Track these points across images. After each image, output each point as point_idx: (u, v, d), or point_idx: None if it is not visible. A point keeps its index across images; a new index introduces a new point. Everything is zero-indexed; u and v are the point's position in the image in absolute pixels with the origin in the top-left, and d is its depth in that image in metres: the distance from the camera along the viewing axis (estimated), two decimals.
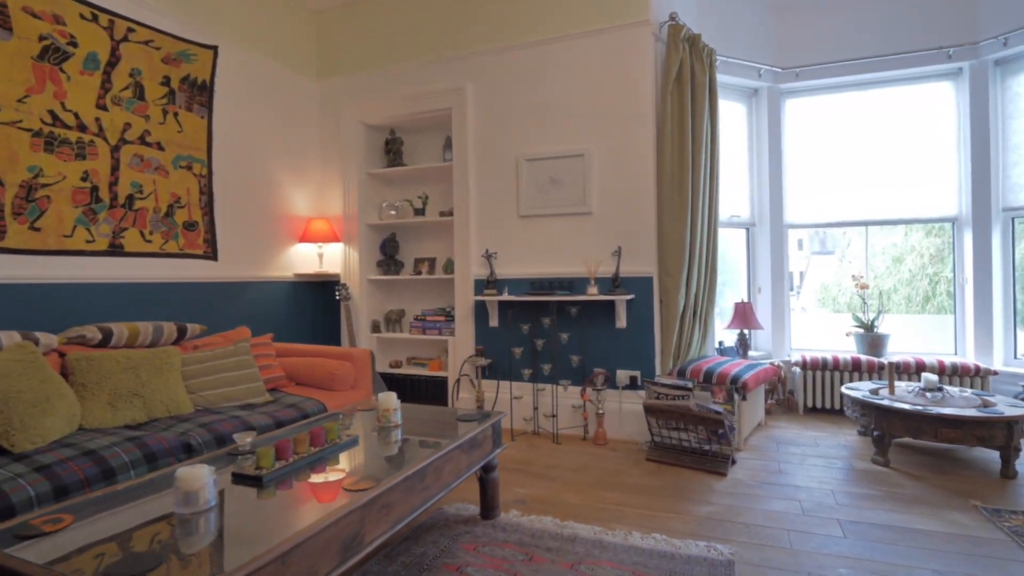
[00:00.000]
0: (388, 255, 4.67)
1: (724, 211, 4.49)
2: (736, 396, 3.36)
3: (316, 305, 4.62)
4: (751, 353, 4.47)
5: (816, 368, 4.19)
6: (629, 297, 3.70)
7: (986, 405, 3.14)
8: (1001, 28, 3.98)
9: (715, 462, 3.14)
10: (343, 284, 4.29)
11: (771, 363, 4.25)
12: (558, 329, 3.89)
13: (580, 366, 3.84)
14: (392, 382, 4.39)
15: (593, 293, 3.72)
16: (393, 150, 4.63)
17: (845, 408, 3.57)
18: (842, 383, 4.15)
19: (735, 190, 4.65)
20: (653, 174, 3.74)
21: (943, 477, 2.97)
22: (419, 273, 4.51)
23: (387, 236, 4.68)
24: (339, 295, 4.23)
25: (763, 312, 4.65)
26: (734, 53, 4.40)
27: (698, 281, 3.90)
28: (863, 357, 4.12)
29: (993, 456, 3.21)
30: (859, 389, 3.50)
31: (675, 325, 3.73)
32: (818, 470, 3.12)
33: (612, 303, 3.76)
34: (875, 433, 3.20)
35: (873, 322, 4.40)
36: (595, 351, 3.83)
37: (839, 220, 4.57)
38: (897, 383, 3.52)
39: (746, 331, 4.35)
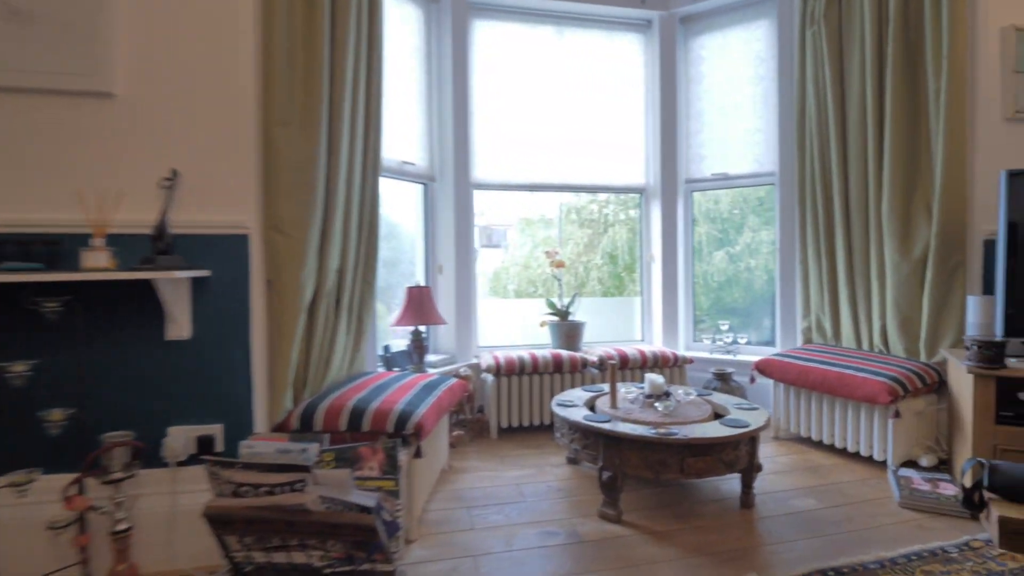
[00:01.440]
0: None
1: (392, 150, 2.97)
2: (403, 455, 1.82)
3: None
4: (429, 359, 3.09)
5: (512, 372, 3.05)
6: (198, 275, 1.78)
7: (719, 413, 2.39)
8: None
9: None
10: None
11: (457, 375, 2.94)
12: (18, 349, 1.68)
13: (74, 432, 1.72)
14: None
15: (102, 265, 1.66)
16: None
17: (556, 432, 2.45)
18: (542, 388, 3.12)
19: (408, 128, 3.18)
20: (252, 30, 1.90)
21: (688, 527, 2.04)
22: None
23: None
24: None
25: (445, 300, 3.33)
26: None
27: (345, 249, 2.25)
28: (564, 353, 3.17)
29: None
30: (573, 403, 2.42)
31: (297, 326, 1.99)
32: (536, 560, 1.83)
33: (150, 288, 1.76)
34: (605, 475, 2.11)
35: (568, 308, 3.55)
36: (115, 393, 1.78)
37: (532, 183, 3.58)
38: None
39: (423, 328, 2.93)
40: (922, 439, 2.51)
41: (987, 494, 1.94)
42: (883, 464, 2.53)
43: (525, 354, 3.11)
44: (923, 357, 2.61)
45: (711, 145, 3.62)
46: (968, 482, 1.98)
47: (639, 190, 3.79)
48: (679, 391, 2.50)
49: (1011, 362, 2.08)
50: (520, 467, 2.64)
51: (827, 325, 3.04)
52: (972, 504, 1.97)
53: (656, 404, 2.32)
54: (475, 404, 3.17)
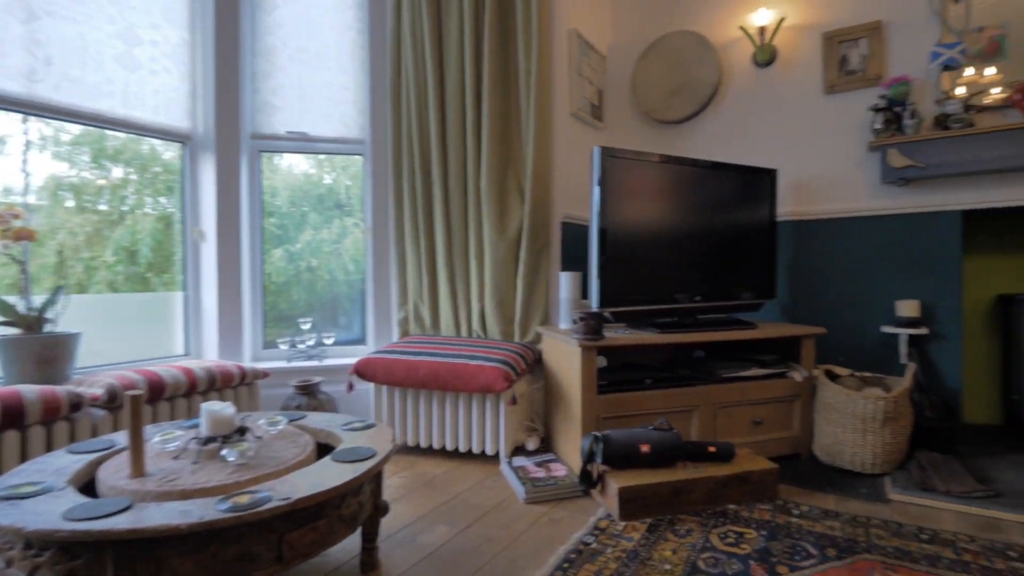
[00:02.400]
0: None
1: None
2: None
3: None
4: None
5: None
6: None
7: (325, 444, 1.63)
8: None
9: None
10: None
11: None
12: None
13: None
14: None
15: None
16: None
17: None
18: None
19: None
20: None
21: None
22: None
23: None
24: None
25: None
26: None
27: None
28: (28, 391, 1.73)
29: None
30: (38, 487, 1.20)
31: None
32: None
33: None
34: None
35: (44, 312, 2.07)
36: None
37: None
38: (151, 435, 1.43)
39: None
40: (524, 421, 2.43)
41: (601, 467, 1.88)
42: (495, 458, 2.32)
43: None
44: (517, 337, 2.57)
45: (287, 95, 2.81)
46: (584, 457, 1.89)
47: (180, 137, 2.61)
48: (261, 421, 1.60)
49: (605, 333, 2.15)
50: None
51: (426, 313, 2.71)
52: (590, 480, 1.89)
53: (225, 452, 1.37)
54: None
